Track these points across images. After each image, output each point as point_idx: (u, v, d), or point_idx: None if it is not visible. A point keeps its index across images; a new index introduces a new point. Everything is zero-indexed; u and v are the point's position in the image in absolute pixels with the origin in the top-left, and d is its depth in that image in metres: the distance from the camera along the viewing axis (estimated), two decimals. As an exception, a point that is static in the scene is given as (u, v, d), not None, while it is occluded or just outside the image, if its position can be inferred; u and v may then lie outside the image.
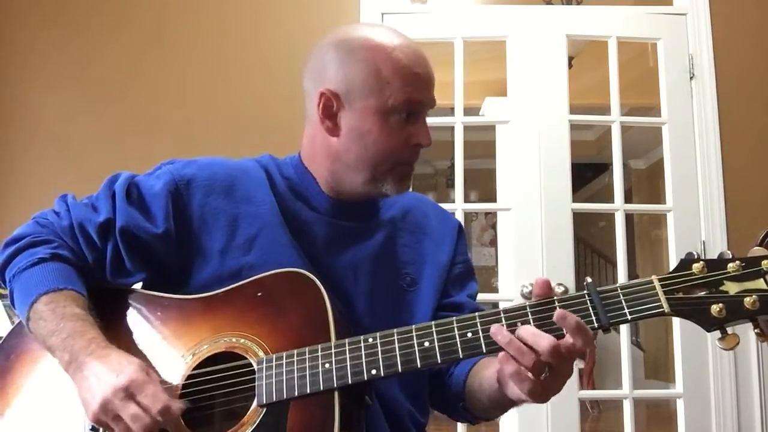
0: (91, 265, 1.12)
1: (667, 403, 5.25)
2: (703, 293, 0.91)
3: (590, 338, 0.91)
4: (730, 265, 0.91)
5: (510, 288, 2.58)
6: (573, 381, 2.63)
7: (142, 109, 2.65)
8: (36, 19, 2.70)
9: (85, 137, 2.63)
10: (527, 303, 0.95)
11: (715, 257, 0.93)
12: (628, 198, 5.63)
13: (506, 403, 1.02)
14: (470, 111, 2.98)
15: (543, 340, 0.89)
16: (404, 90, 1.09)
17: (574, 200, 2.63)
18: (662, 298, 0.92)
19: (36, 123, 2.64)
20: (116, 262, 1.12)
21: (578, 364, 5.42)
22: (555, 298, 0.94)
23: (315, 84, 1.14)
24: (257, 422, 0.95)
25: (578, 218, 2.65)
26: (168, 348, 1.05)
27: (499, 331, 0.91)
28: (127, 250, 1.11)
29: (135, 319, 1.10)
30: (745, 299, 0.89)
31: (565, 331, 0.90)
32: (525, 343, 0.90)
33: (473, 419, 1.20)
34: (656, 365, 7.04)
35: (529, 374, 0.90)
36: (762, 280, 0.90)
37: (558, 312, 0.90)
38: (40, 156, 2.61)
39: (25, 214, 1.17)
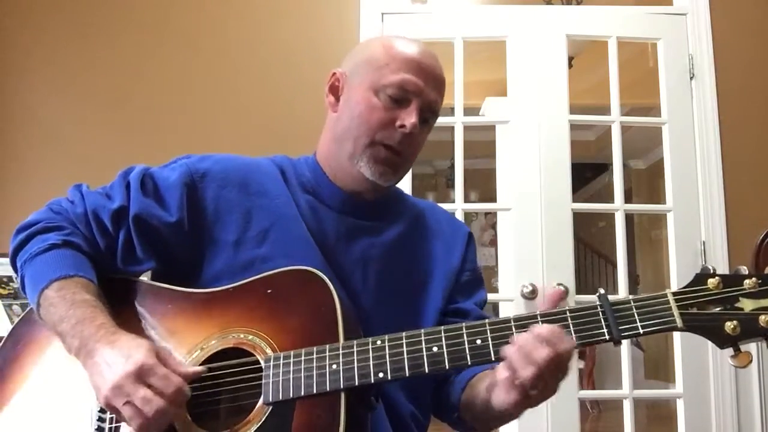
0: (103, 252, 1.13)
1: (667, 403, 5.25)
2: (717, 309, 0.90)
3: (563, 343, 0.90)
4: (747, 281, 0.90)
5: (510, 288, 2.58)
6: (573, 381, 2.63)
7: (143, 111, 2.65)
8: (37, 21, 2.70)
9: (86, 139, 2.63)
10: (538, 312, 0.95)
11: (731, 272, 0.92)
12: (628, 198, 5.60)
13: (500, 414, 1.00)
14: (470, 111, 2.97)
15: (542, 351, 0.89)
16: (400, 71, 1.13)
17: (574, 200, 2.63)
18: (676, 312, 0.91)
19: (37, 125, 2.64)
20: (127, 249, 1.13)
21: (578, 364, 5.43)
22: (567, 308, 0.94)
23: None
24: (263, 420, 0.95)
25: (578, 218, 2.65)
26: (177, 342, 1.05)
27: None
28: (140, 237, 1.12)
29: (144, 311, 1.10)
30: (760, 317, 0.88)
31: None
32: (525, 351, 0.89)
33: (468, 430, 1.19)
34: (656, 365, 7.02)
35: (527, 385, 0.90)
36: None
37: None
38: (42, 158, 2.61)
39: (26, 216, 1.16)
